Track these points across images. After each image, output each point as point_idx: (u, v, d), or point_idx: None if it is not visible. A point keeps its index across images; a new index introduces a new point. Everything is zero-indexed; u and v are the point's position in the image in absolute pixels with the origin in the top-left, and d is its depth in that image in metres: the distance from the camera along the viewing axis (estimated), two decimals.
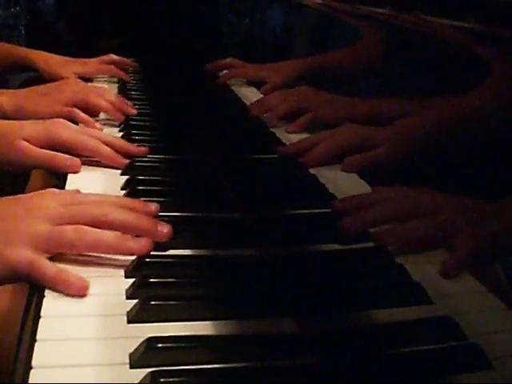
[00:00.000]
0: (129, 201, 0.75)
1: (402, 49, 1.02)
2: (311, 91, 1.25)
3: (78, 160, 0.91)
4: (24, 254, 0.62)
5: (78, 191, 0.77)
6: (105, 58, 1.56)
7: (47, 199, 0.71)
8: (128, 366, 0.51)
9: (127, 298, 0.60)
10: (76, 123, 1.07)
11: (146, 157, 0.98)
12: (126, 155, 0.95)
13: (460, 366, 0.53)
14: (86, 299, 0.60)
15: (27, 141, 0.91)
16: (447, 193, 0.77)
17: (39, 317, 0.56)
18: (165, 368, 0.50)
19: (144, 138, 1.08)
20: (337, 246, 0.73)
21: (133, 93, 1.42)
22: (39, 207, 0.68)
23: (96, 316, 0.57)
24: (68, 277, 0.61)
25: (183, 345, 0.53)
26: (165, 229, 0.69)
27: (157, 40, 2.01)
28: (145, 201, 0.76)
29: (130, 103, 1.23)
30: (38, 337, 0.54)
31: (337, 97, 1.21)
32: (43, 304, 0.58)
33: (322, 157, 0.99)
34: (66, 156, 0.91)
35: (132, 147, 0.98)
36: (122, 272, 0.65)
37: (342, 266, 0.69)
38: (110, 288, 0.62)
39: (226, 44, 2.05)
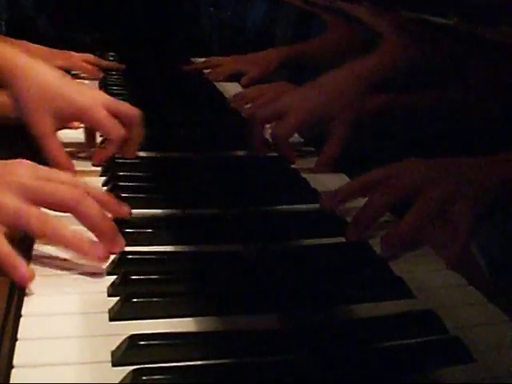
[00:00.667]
0: (102, 194, 0.73)
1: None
2: (287, 86, 1.26)
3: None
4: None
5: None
6: (91, 58, 1.55)
7: (23, 168, 0.68)
8: (110, 364, 0.51)
9: (109, 295, 0.60)
10: None
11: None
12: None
13: (442, 359, 0.54)
14: (67, 297, 0.60)
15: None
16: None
17: (20, 315, 0.56)
18: (147, 366, 0.50)
19: None
20: (318, 241, 0.73)
21: (114, 88, 1.41)
22: (13, 174, 0.67)
23: (77, 314, 0.57)
24: (16, 262, 0.60)
25: (166, 342, 0.53)
26: (119, 244, 0.67)
27: (137, 34, 2.00)
28: (126, 197, 0.76)
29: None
30: (18, 335, 0.53)
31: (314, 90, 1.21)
32: (24, 302, 0.58)
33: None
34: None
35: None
36: (103, 269, 0.64)
37: (323, 261, 0.69)
38: (91, 286, 0.62)
39: (208, 38, 2.04)
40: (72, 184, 0.69)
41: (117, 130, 0.92)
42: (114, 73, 1.58)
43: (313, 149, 1.06)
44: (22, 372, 0.49)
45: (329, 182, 0.91)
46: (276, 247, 0.72)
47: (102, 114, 0.91)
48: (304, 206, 0.83)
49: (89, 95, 0.93)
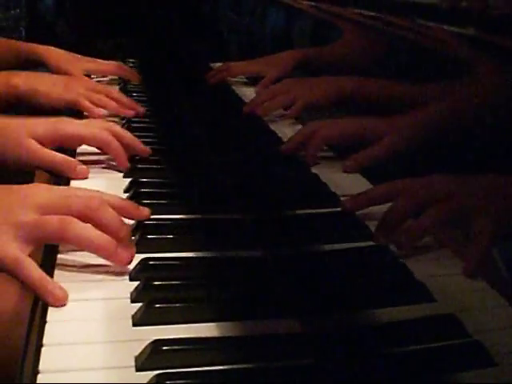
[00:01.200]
0: (119, 200, 0.73)
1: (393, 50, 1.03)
2: (295, 80, 1.28)
3: (85, 168, 0.90)
4: (9, 250, 0.62)
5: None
6: (113, 62, 1.55)
7: (39, 189, 0.70)
8: (134, 369, 0.52)
9: (132, 301, 0.61)
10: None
11: (148, 159, 0.98)
12: (132, 152, 0.96)
13: (463, 363, 0.54)
14: (91, 303, 0.60)
15: (35, 139, 0.89)
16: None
17: (45, 321, 0.57)
18: (170, 370, 0.51)
19: (145, 140, 1.08)
20: (338, 246, 0.73)
21: (134, 94, 1.42)
22: (28, 196, 0.68)
23: (101, 320, 0.58)
24: (48, 285, 0.61)
25: (188, 347, 0.54)
26: (128, 253, 0.66)
27: (156, 40, 2.01)
28: (148, 204, 0.77)
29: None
30: (44, 341, 0.54)
31: (321, 78, 1.22)
32: (49, 308, 0.59)
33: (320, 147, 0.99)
34: (75, 162, 0.90)
35: (139, 144, 0.98)
36: (126, 275, 0.65)
37: (344, 266, 0.69)
38: (114, 291, 0.63)
39: (227, 43, 2.05)
40: (87, 196, 0.69)
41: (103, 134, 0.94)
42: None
43: (331, 153, 1.06)
44: (48, 377, 0.50)
45: (344, 182, 0.91)
46: (296, 252, 0.72)
47: (81, 128, 0.94)
48: (323, 211, 0.83)
49: (65, 119, 0.97)
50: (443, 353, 0.55)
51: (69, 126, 0.93)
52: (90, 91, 1.21)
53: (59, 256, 0.68)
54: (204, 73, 1.59)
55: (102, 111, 1.17)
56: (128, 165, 0.93)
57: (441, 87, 0.88)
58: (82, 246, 0.65)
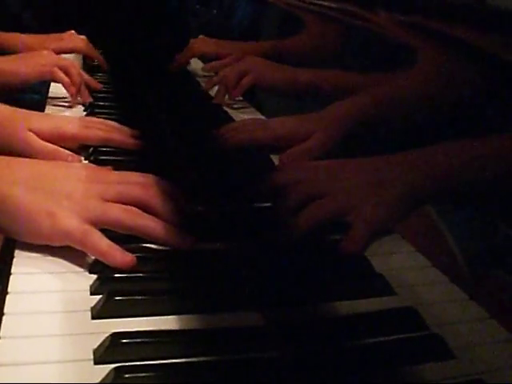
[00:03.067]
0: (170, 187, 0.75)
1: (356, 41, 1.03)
2: (255, 59, 1.29)
3: (79, 157, 0.92)
4: (76, 222, 0.65)
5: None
6: (81, 37, 1.57)
7: (99, 172, 0.74)
8: (92, 362, 0.51)
9: (91, 293, 0.60)
10: None
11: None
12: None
13: (422, 356, 0.54)
14: (49, 295, 0.60)
15: (33, 132, 0.91)
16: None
17: (2, 314, 0.56)
18: (129, 364, 0.50)
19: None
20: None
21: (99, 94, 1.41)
22: (91, 178, 0.71)
23: (60, 312, 0.57)
24: (117, 252, 0.64)
25: (148, 340, 0.53)
26: (189, 237, 0.69)
27: (122, 31, 2.00)
28: None
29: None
30: (1, 334, 0.53)
31: (281, 65, 1.23)
32: (6, 301, 0.58)
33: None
34: (68, 152, 0.91)
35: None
36: (86, 268, 0.64)
37: (304, 258, 0.69)
38: (73, 284, 0.62)
39: (194, 36, 2.04)
40: (144, 183, 0.72)
41: (98, 133, 0.96)
42: (100, 74, 1.57)
43: None
44: (3, 370, 0.49)
45: None
46: (257, 244, 0.72)
47: (75, 128, 0.96)
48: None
49: (59, 117, 1.04)
50: (402, 345, 0.56)
51: (69, 126, 0.95)
52: (56, 61, 1.24)
53: (18, 247, 0.67)
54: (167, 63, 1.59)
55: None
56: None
57: (389, 76, 0.89)
58: (145, 235, 0.68)
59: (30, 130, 0.91)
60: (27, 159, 0.81)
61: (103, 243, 0.64)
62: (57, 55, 1.33)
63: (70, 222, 0.65)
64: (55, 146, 0.91)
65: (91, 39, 1.60)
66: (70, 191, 0.68)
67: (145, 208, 0.69)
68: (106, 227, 0.67)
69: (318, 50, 1.21)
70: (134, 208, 0.68)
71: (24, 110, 0.96)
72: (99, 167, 0.79)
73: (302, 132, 0.96)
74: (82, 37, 1.57)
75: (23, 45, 1.47)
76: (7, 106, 0.95)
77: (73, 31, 1.57)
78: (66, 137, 0.94)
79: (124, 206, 0.68)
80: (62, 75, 1.21)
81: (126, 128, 0.99)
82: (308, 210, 0.73)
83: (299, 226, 0.72)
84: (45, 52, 1.29)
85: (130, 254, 0.64)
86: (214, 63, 1.43)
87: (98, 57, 1.56)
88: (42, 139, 0.91)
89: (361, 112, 0.90)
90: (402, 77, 0.82)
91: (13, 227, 0.66)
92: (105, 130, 0.96)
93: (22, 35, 1.52)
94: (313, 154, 0.93)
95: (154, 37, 1.99)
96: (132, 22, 2.07)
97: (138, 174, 0.76)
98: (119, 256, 0.63)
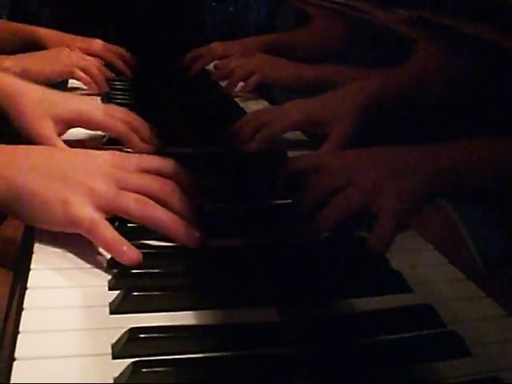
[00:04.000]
0: (190, 182, 0.75)
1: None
2: (264, 56, 1.32)
3: None
4: (88, 211, 0.65)
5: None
6: (110, 45, 1.57)
7: (117, 159, 0.73)
8: (110, 356, 0.51)
9: (109, 289, 0.61)
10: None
11: None
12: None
13: (439, 353, 0.54)
14: (68, 290, 0.60)
15: (54, 120, 0.91)
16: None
17: (22, 308, 0.56)
18: (147, 358, 0.51)
19: None
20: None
21: (116, 83, 1.41)
22: (107, 163, 0.71)
23: (79, 307, 0.58)
24: (123, 245, 0.64)
25: (165, 335, 0.54)
26: (199, 233, 0.68)
27: (139, 29, 2.00)
28: None
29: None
30: (20, 328, 0.54)
31: (288, 61, 1.26)
32: (26, 295, 0.58)
33: (269, 140, 0.98)
34: None
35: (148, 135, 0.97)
36: (104, 263, 0.65)
37: (322, 256, 0.69)
38: (92, 279, 0.62)
39: (210, 33, 2.04)
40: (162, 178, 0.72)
41: (118, 126, 0.94)
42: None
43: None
44: (24, 364, 0.50)
45: None
46: (275, 242, 0.72)
47: (100, 115, 0.94)
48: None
49: (86, 100, 1.00)
50: (419, 342, 0.56)
51: (95, 112, 0.94)
52: (78, 61, 1.31)
53: (36, 242, 0.67)
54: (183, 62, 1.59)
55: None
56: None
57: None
58: (155, 227, 0.68)
59: (50, 116, 0.91)
60: (45, 147, 0.81)
61: (109, 235, 0.64)
62: (78, 54, 1.37)
63: (81, 209, 0.65)
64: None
65: (105, 37, 1.60)
66: (85, 178, 0.68)
67: (161, 203, 0.69)
68: (117, 214, 0.67)
69: (323, 43, 1.22)
70: (146, 198, 0.68)
71: (52, 93, 0.96)
72: (121, 154, 0.78)
73: (323, 116, 0.95)
74: (108, 45, 1.57)
75: (54, 41, 1.50)
76: (39, 88, 0.96)
77: (99, 40, 1.57)
78: (90, 122, 0.94)
79: (136, 196, 0.68)
80: (82, 75, 1.27)
81: (145, 126, 0.98)
82: (332, 205, 0.72)
83: (324, 221, 0.72)
84: (66, 52, 1.34)
85: (137, 250, 0.64)
86: (224, 61, 1.45)
87: (121, 65, 1.55)
88: (61, 126, 0.92)
89: (381, 90, 0.90)
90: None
91: (29, 214, 0.66)
92: (125, 125, 0.95)
93: (54, 32, 1.54)
94: (339, 147, 0.92)
95: (170, 34, 1.99)
96: (148, 20, 2.07)
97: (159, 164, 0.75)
98: (125, 250, 0.63)
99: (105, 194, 0.67)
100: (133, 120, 0.96)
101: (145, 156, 0.78)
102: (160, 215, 0.67)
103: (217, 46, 1.56)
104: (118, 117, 0.95)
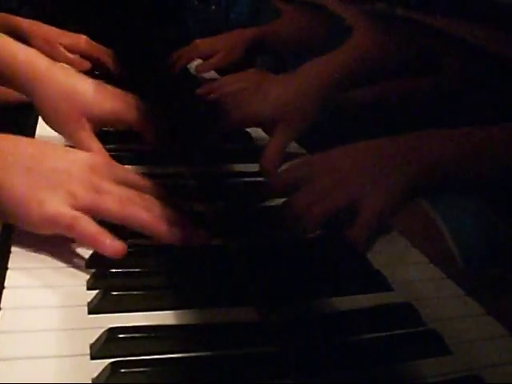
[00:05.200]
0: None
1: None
2: (256, 74, 1.27)
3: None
4: (67, 208, 0.63)
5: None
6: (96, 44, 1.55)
7: (98, 164, 0.71)
8: (89, 356, 0.51)
9: (88, 288, 0.60)
10: None
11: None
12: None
13: (419, 351, 0.54)
14: (46, 290, 0.60)
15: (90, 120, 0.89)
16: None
17: None
18: (126, 358, 0.50)
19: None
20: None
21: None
22: (90, 169, 0.69)
23: (56, 307, 0.57)
24: (106, 238, 0.62)
25: (144, 335, 0.53)
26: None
27: (119, 27, 1.99)
28: None
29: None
30: None
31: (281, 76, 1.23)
32: (3, 296, 0.58)
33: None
34: None
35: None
36: (82, 263, 0.64)
37: (302, 254, 0.69)
38: (70, 279, 0.62)
39: (193, 32, 2.04)
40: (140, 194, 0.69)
41: (152, 129, 0.92)
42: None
43: None
44: (1, 365, 0.49)
45: None
46: (254, 240, 0.72)
47: (134, 116, 0.91)
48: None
49: (119, 97, 0.92)
50: (399, 341, 0.56)
51: (130, 113, 0.91)
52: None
53: (14, 241, 0.67)
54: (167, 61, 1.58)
55: None
56: None
57: None
58: (138, 227, 0.66)
59: (90, 116, 0.88)
60: (31, 141, 0.78)
61: (92, 228, 0.63)
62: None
63: (58, 208, 0.63)
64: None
65: (88, 35, 1.59)
66: (66, 181, 0.66)
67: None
68: (96, 216, 0.65)
69: (298, 36, 1.22)
70: (126, 198, 0.67)
71: (82, 83, 0.91)
72: (105, 161, 0.76)
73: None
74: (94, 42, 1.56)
75: (34, 35, 1.46)
76: (69, 81, 0.90)
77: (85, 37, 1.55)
78: (125, 123, 0.92)
79: (115, 196, 0.66)
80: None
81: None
82: (316, 207, 0.71)
83: (309, 223, 0.71)
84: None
85: (121, 242, 0.63)
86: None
87: (108, 61, 1.53)
88: (102, 123, 0.90)
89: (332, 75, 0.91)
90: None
91: (7, 213, 0.65)
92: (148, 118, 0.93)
93: (36, 24, 1.50)
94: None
95: (152, 33, 1.99)
96: (130, 19, 2.06)
97: (143, 183, 0.73)
98: (109, 243, 0.62)
99: (83, 198, 0.65)
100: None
101: (128, 169, 0.76)
102: (142, 214, 0.66)
103: (200, 43, 1.55)
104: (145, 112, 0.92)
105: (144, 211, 0.66)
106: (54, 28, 1.52)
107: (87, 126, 0.88)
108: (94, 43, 1.53)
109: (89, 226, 0.63)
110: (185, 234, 0.66)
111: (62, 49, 1.46)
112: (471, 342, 0.56)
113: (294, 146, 1.01)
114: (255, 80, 1.23)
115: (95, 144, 0.88)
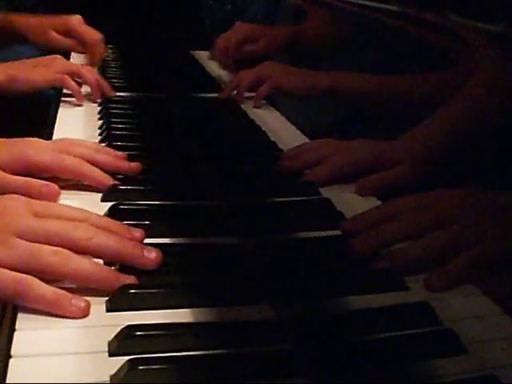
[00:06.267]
0: (111, 222, 0.67)
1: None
2: (274, 64, 1.28)
3: (55, 186, 0.77)
4: (5, 272, 0.56)
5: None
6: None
7: (16, 203, 0.64)
8: (107, 354, 0.52)
9: None
10: None
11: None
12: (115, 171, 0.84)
13: (435, 350, 0.54)
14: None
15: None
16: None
17: (17, 306, 0.57)
18: (143, 356, 0.51)
19: (123, 125, 1.08)
20: (313, 234, 0.74)
21: (113, 80, 1.41)
22: (7, 213, 0.62)
23: None
24: (66, 301, 0.56)
25: (161, 332, 0.54)
26: (152, 255, 0.63)
27: (137, 27, 2.00)
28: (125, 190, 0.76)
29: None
30: (16, 327, 0.54)
31: (299, 69, 1.23)
32: None
33: (332, 175, 0.89)
34: (41, 182, 0.76)
35: (122, 163, 0.86)
36: (101, 261, 0.64)
37: (318, 253, 0.70)
38: None
39: (207, 31, 2.04)
40: (75, 218, 0.64)
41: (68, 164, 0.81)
42: (112, 65, 1.58)
43: None
44: (20, 362, 0.50)
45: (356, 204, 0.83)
46: (271, 239, 0.72)
47: (48, 158, 0.80)
48: (300, 199, 0.84)
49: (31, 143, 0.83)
50: (415, 340, 0.56)
51: (35, 153, 0.79)
52: (69, 66, 1.24)
53: None
54: (184, 60, 1.58)
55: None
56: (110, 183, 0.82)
57: (422, 78, 0.88)
58: (78, 280, 0.60)
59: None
60: None
61: (48, 292, 0.56)
62: (67, 61, 1.33)
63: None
64: (26, 179, 0.76)
65: (103, 34, 1.59)
66: None
67: (80, 249, 0.61)
68: (33, 274, 0.57)
69: (321, 39, 1.21)
70: (64, 249, 0.59)
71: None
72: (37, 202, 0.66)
73: (385, 159, 0.88)
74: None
75: (30, 29, 1.47)
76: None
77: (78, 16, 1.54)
78: (35, 165, 0.79)
79: (53, 248, 0.59)
80: (72, 83, 1.20)
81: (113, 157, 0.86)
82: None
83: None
84: (57, 59, 1.26)
85: (83, 301, 0.57)
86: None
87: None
88: (12, 171, 0.77)
89: (444, 137, 0.84)
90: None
91: None
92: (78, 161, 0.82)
93: (29, 19, 1.51)
94: (394, 185, 0.86)
95: (167, 32, 1.99)
96: (146, 18, 2.07)
97: (72, 207, 0.67)
98: (67, 304, 0.56)
99: (15, 251, 0.58)
100: (93, 152, 0.85)
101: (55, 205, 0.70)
102: (85, 267, 0.59)
103: (242, 25, 1.55)
104: (73, 152, 0.82)
105: (89, 264, 0.60)
106: (43, 15, 1.52)
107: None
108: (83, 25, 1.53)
109: (41, 287, 0.56)
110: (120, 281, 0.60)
111: (54, 34, 1.46)
112: (488, 342, 0.56)
113: None
114: (271, 70, 1.23)
115: (13, 178, 0.76)
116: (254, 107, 1.25)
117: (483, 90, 0.77)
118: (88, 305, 0.57)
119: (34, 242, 0.59)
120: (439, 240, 0.66)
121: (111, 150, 0.88)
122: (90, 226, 0.63)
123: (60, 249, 0.59)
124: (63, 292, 0.57)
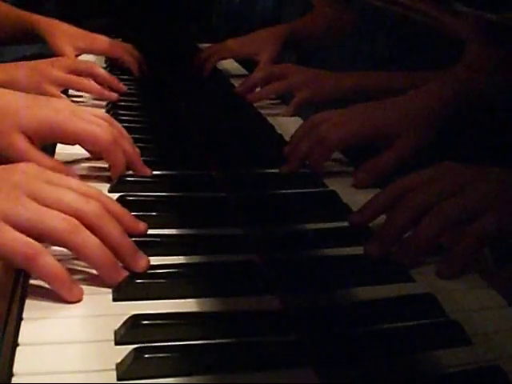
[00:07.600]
0: (119, 207, 0.66)
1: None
2: (295, 69, 1.23)
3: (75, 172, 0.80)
4: (20, 239, 0.56)
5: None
6: (115, 42, 1.48)
7: (31, 169, 0.64)
8: (113, 342, 0.52)
9: None
10: None
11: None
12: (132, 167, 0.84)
13: (439, 342, 0.54)
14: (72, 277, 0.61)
15: (25, 134, 0.77)
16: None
17: (25, 295, 0.57)
18: (149, 344, 0.51)
19: (131, 118, 1.08)
20: (319, 225, 0.74)
21: (122, 77, 1.40)
22: (22, 172, 0.62)
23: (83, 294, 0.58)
24: (66, 281, 0.57)
25: (167, 322, 0.54)
26: (143, 261, 0.61)
27: (145, 20, 2.00)
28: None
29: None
30: (23, 315, 0.54)
31: (322, 72, 1.18)
32: (29, 282, 0.59)
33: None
34: (66, 168, 0.79)
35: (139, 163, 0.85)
36: None
37: (323, 244, 0.70)
38: None
39: (216, 24, 2.04)
40: (87, 193, 0.63)
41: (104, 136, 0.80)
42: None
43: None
44: (27, 350, 0.50)
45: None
46: (277, 230, 0.73)
47: (78, 125, 0.79)
48: (307, 191, 0.84)
49: (53, 107, 0.81)
50: (420, 331, 0.56)
51: (68, 122, 0.79)
52: (71, 73, 1.17)
53: None
54: (192, 54, 1.57)
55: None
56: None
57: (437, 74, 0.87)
58: (81, 256, 0.59)
59: (21, 131, 0.78)
60: None
61: (53, 267, 0.56)
62: (73, 59, 1.30)
63: (9, 240, 0.55)
64: (52, 161, 0.79)
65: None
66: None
67: (86, 223, 0.59)
68: (37, 238, 0.57)
69: (327, 30, 1.20)
70: (76, 221, 0.58)
71: (10, 106, 0.81)
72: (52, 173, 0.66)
73: (388, 132, 0.87)
74: (114, 40, 1.49)
75: (52, 35, 1.42)
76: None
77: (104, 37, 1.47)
78: (63, 137, 0.81)
79: (64, 216, 0.58)
80: (79, 80, 1.16)
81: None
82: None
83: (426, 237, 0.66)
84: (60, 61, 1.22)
85: (81, 291, 0.58)
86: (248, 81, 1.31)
87: (130, 61, 1.45)
88: (34, 140, 0.78)
89: (451, 100, 0.83)
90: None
91: None
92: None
93: (57, 23, 1.45)
94: (394, 166, 0.84)
95: (176, 26, 1.99)
96: (154, 11, 2.07)
97: (84, 183, 0.67)
98: (68, 285, 0.57)
99: (25, 211, 0.57)
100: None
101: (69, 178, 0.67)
102: (90, 244, 0.58)
103: (232, 43, 1.50)
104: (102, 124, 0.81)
105: (95, 243, 0.59)
106: (71, 27, 1.45)
107: (22, 140, 0.77)
108: (114, 42, 1.48)
109: (52, 263, 0.56)
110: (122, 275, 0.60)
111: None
112: (492, 334, 0.56)
113: None
114: (294, 78, 1.20)
115: (34, 154, 0.77)
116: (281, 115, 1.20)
117: (484, 63, 0.77)
118: (82, 295, 0.57)
119: (45, 206, 0.59)
120: (454, 210, 0.65)
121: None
122: (100, 206, 0.62)
123: (71, 218, 0.58)
124: (68, 274, 0.57)
